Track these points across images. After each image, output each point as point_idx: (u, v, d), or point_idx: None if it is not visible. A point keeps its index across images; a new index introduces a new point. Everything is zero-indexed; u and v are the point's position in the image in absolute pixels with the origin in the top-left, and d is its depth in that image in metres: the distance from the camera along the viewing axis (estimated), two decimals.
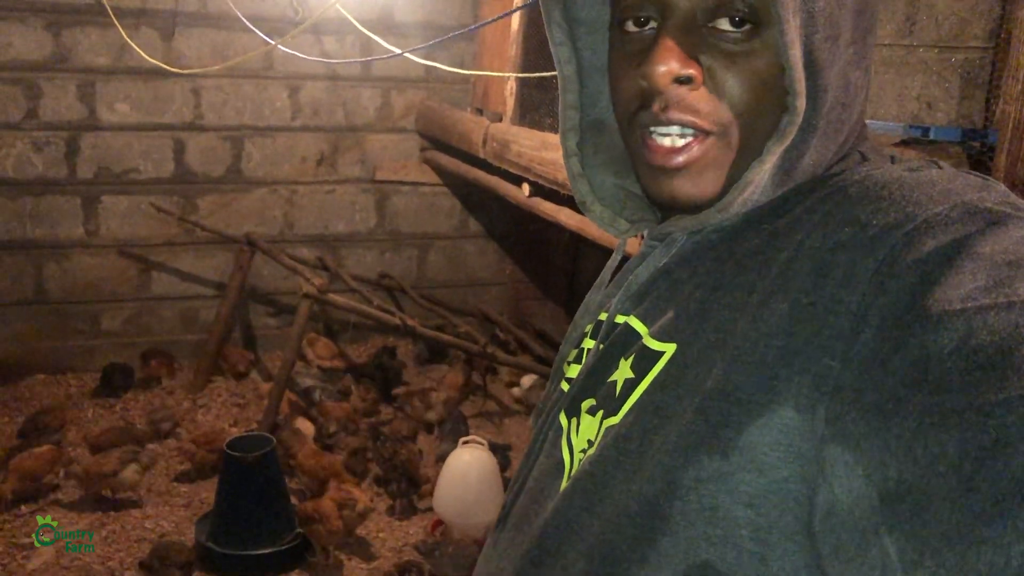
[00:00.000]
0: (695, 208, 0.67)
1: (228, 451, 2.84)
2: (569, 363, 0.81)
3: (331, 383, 3.95)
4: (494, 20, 3.15)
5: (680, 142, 0.65)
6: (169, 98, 4.20)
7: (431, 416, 3.73)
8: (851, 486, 0.50)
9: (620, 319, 0.73)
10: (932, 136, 2.04)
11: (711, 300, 0.64)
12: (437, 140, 4.50)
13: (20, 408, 3.94)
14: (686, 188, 0.66)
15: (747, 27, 0.62)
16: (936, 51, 2.72)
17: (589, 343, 0.78)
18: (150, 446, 3.51)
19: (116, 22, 3.73)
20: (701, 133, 0.64)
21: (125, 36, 3.72)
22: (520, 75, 3.43)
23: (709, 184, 0.66)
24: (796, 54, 0.60)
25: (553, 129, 3.34)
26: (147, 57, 3.78)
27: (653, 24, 0.66)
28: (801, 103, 0.61)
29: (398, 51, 2.66)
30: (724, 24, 0.63)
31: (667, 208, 0.71)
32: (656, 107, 0.64)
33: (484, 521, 2.94)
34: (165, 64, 3.88)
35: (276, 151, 4.43)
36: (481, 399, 4.07)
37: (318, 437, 3.54)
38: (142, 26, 4.06)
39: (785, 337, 0.56)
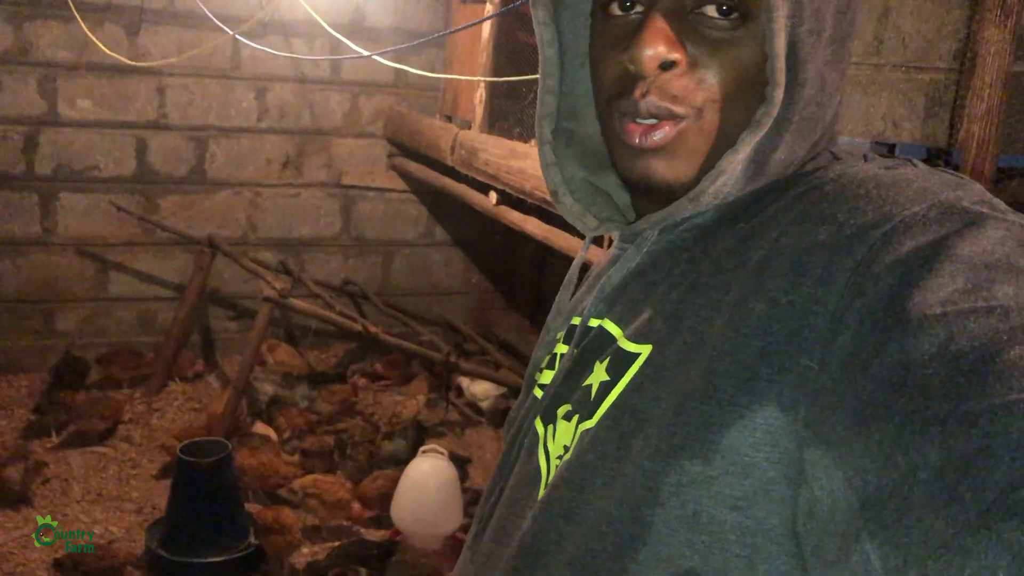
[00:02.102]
0: (669, 193, 0.67)
1: (181, 456, 2.78)
2: (541, 369, 0.80)
3: (290, 389, 3.88)
4: (465, 27, 3.13)
5: (654, 125, 0.65)
6: (133, 96, 4.12)
7: (395, 425, 3.69)
8: (831, 488, 0.50)
9: (594, 322, 0.72)
10: (896, 154, 2.05)
11: (687, 300, 0.63)
12: (405, 146, 4.46)
13: None
14: (661, 169, 0.66)
15: (734, 16, 0.62)
16: (903, 71, 2.75)
17: (562, 348, 0.77)
18: (100, 449, 3.45)
19: (77, 15, 3.66)
20: (677, 119, 0.64)
21: (87, 31, 3.64)
22: (487, 79, 3.41)
23: (683, 168, 0.66)
24: (781, 43, 0.60)
25: (522, 138, 3.32)
26: (108, 51, 3.71)
27: (639, 8, 0.66)
28: (779, 94, 0.61)
29: (366, 53, 2.64)
30: (711, 11, 0.63)
31: (642, 191, 0.71)
32: (637, 92, 0.64)
33: (443, 531, 2.90)
34: (130, 61, 3.82)
35: (241, 152, 4.37)
36: (443, 409, 4.02)
37: (279, 441, 3.49)
38: (107, 22, 3.99)
39: (764, 336, 0.56)
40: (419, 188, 4.61)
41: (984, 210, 0.55)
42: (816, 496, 0.51)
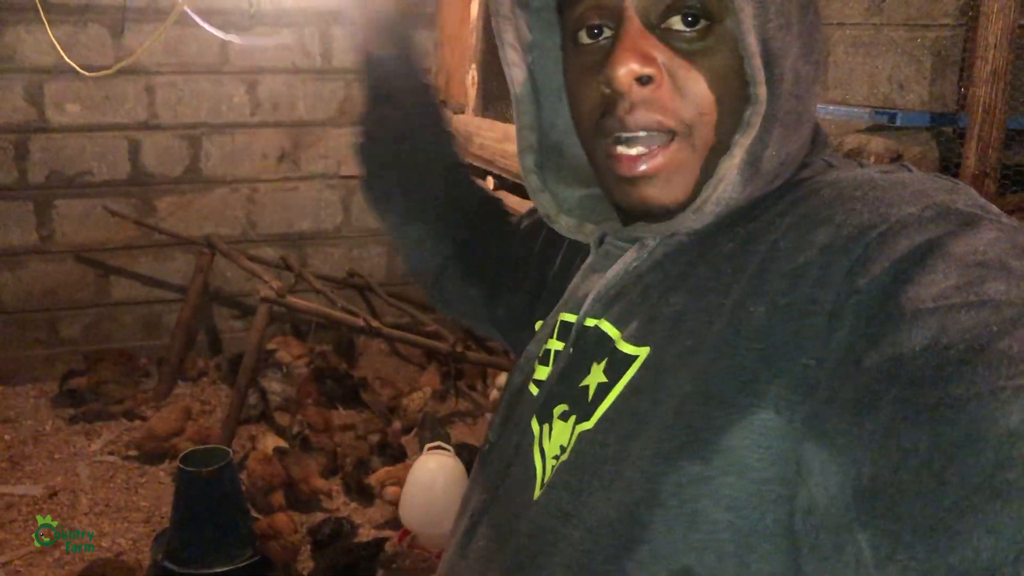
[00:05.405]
0: (666, 213, 0.67)
1: (182, 466, 2.73)
2: (535, 366, 0.80)
3: (293, 386, 3.82)
4: None
5: (645, 150, 0.66)
6: (121, 97, 4.05)
7: (406, 421, 3.63)
8: (827, 484, 0.51)
9: (590, 322, 0.72)
10: (899, 122, 1.93)
11: (686, 303, 0.64)
12: None
13: None
14: (655, 194, 0.67)
15: (701, 24, 0.64)
16: (906, 30, 2.62)
17: (555, 344, 0.77)
18: (108, 458, 3.41)
19: (45, 19, 3.58)
20: (667, 134, 0.65)
21: (54, 41, 3.57)
22: (471, 72, 3.30)
23: (679, 189, 0.66)
24: (753, 42, 0.61)
25: None
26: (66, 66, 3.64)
27: (607, 33, 0.67)
28: (763, 91, 0.62)
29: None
30: (678, 23, 0.64)
31: (638, 216, 0.71)
32: (621, 110, 0.65)
33: None
34: (116, 62, 3.75)
35: (235, 149, 4.29)
36: (453, 399, 3.96)
37: (289, 443, 3.43)
38: (90, 23, 3.92)
39: (763, 339, 0.57)
40: None
41: (978, 212, 0.56)
42: (813, 494, 0.52)
